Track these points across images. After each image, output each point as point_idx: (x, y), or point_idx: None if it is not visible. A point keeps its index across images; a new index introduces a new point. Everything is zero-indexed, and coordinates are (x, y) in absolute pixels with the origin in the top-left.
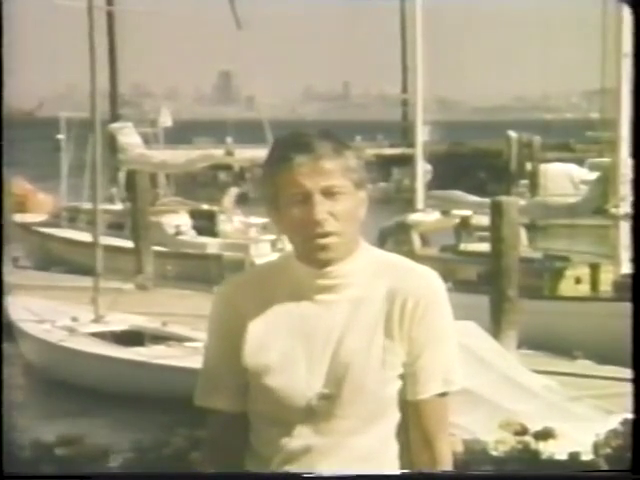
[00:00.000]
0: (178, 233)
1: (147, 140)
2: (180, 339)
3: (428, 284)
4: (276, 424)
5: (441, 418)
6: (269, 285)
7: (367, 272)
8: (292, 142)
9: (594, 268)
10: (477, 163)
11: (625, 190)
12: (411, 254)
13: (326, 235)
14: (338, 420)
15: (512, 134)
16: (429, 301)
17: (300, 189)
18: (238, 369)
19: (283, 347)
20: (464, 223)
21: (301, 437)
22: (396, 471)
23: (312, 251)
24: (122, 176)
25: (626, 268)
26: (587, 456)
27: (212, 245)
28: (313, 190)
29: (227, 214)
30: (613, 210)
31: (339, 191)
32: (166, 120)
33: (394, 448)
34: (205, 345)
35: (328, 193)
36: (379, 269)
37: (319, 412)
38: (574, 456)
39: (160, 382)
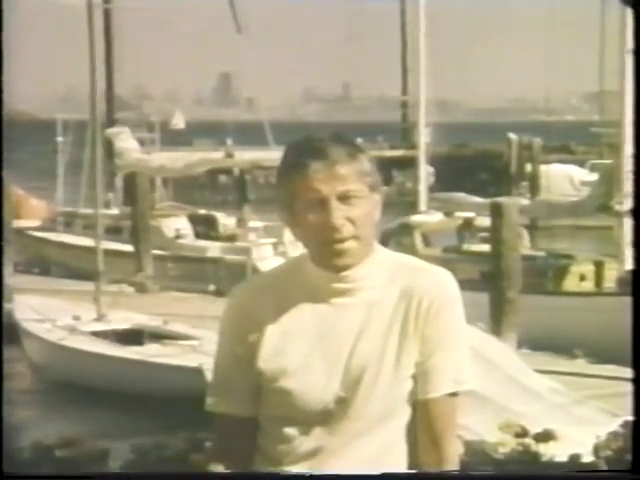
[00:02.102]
0: (178, 236)
1: (143, 144)
2: (181, 337)
3: (442, 284)
4: (290, 426)
5: (450, 418)
6: (284, 289)
7: (382, 274)
8: (306, 148)
9: (598, 265)
10: (477, 165)
11: (629, 187)
12: (413, 254)
13: (343, 240)
14: (351, 421)
15: (512, 136)
16: (443, 301)
17: (316, 195)
18: (251, 374)
19: (300, 351)
20: (467, 224)
21: (313, 439)
22: (400, 471)
23: (329, 256)
24: (119, 181)
25: (630, 265)
26: (587, 458)
27: (213, 248)
28: (330, 196)
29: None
30: (617, 207)
31: (355, 195)
32: (179, 122)
33: (403, 448)
34: (217, 350)
35: (344, 198)
36: (394, 271)
37: (334, 414)
38: (574, 458)
39: (154, 380)
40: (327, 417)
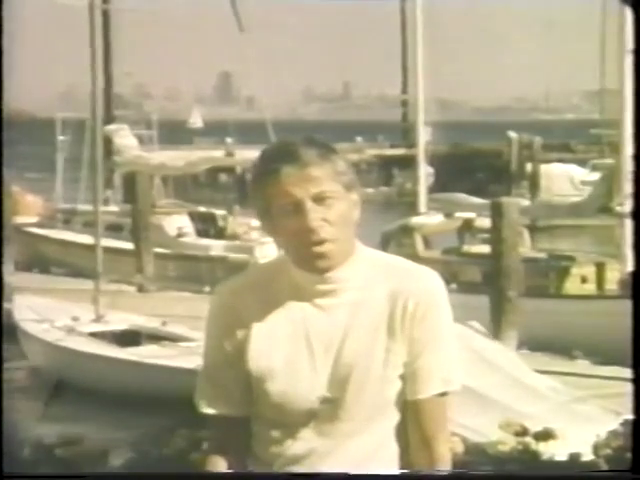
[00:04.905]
0: (180, 235)
1: (142, 141)
2: (179, 339)
3: (429, 285)
4: (279, 428)
5: (440, 418)
6: (269, 289)
7: (366, 275)
8: (277, 153)
9: (600, 267)
10: (477, 164)
11: (630, 188)
12: (414, 256)
13: (322, 242)
14: (340, 423)
15: (512, 135)
16: (430, 302)
17: (291, 199)
18: (241, 373)
19: (286, 351)
20: (467, 225)
21: (303, 440)
22: (396, 471)
23: (309, 259)
24: (117, 178)
25: (632, 266)
26: (587, 457)
27: (216, 247)
28: (304, 198)
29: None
30: (618, 208)
31: (330, 196)
32: (197, 121)
33: (394, 448)
34: (205, 350)
35: (319, 199)
36: (378, 271)
37: (322, 416)
38: (574, 457)
39: (150, 382)
40: (315, 418)
